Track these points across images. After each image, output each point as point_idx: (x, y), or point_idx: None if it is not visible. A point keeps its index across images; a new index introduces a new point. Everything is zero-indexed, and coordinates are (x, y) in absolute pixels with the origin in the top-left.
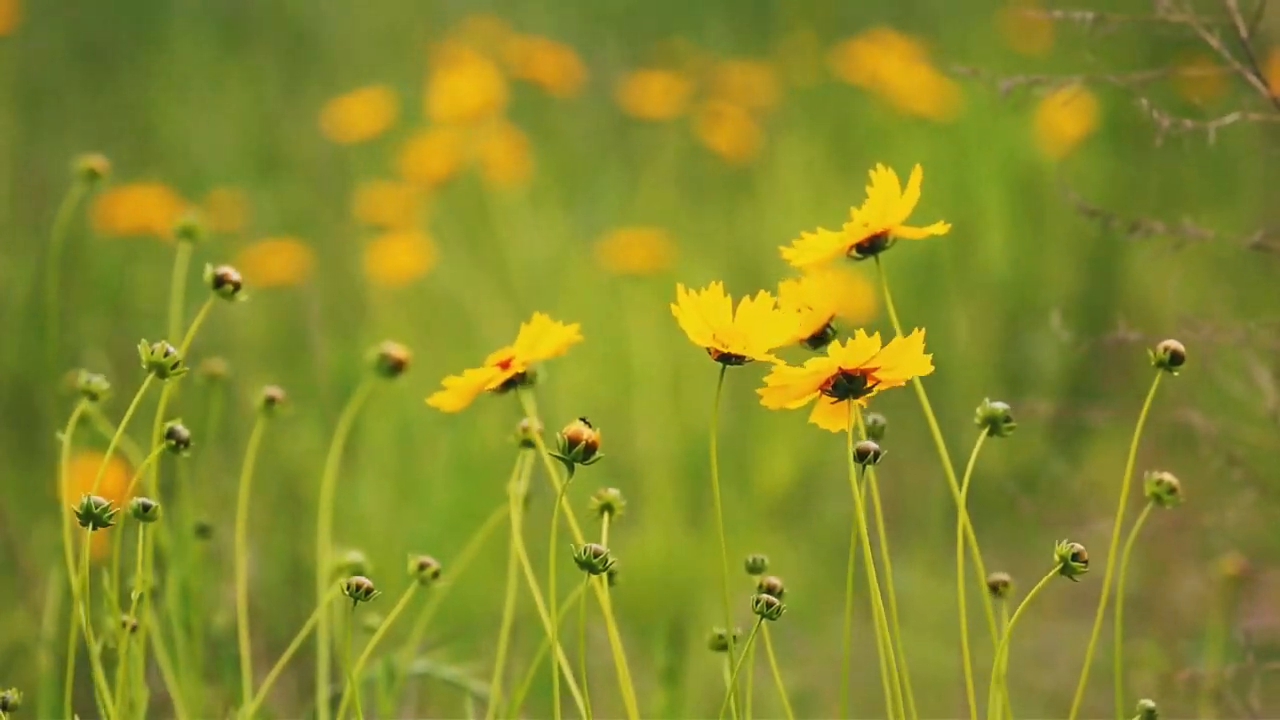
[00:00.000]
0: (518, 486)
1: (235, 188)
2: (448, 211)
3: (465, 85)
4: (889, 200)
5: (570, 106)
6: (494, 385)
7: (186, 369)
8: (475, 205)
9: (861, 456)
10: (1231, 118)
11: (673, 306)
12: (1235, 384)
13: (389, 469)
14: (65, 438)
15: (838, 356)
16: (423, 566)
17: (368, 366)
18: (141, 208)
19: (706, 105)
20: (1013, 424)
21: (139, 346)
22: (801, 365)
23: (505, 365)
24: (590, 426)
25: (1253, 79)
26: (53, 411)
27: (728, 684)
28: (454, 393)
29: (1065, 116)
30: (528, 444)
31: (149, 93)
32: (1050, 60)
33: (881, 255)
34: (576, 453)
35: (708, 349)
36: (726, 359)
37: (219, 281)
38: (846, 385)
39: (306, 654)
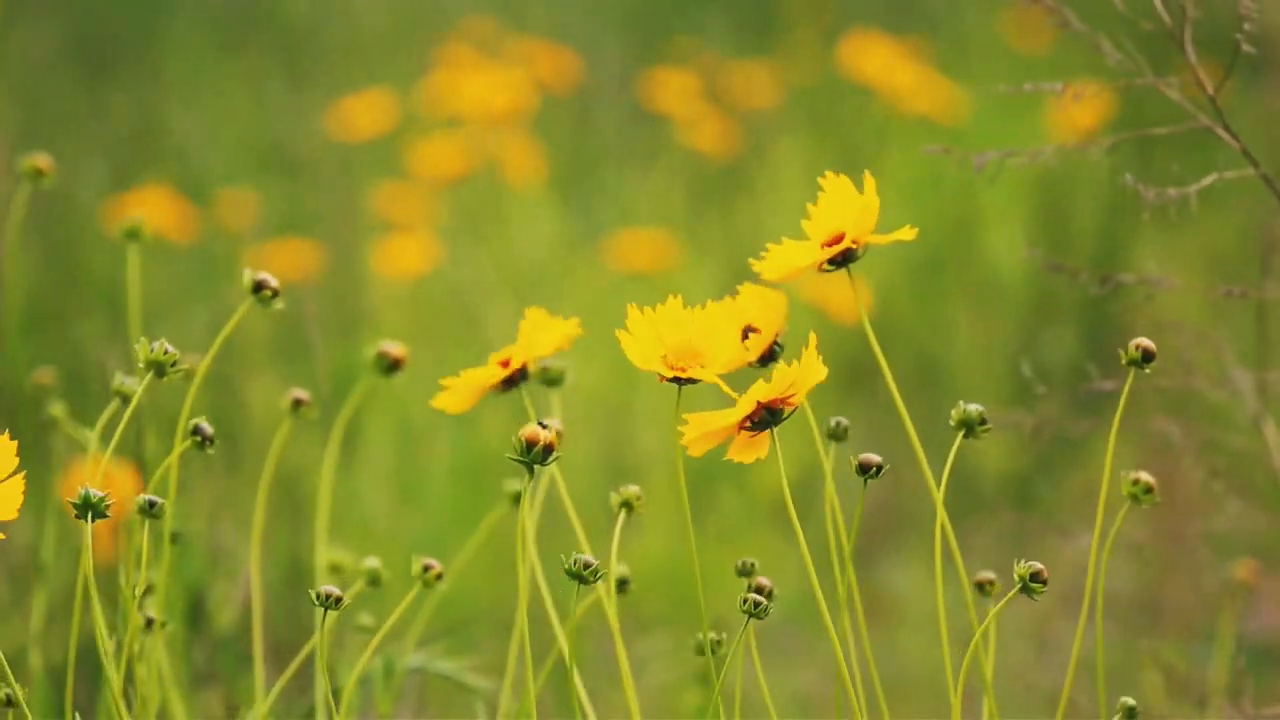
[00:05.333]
0: (524, 490)
1: (237, 187)
2: (451, 211)
3: (491, 86)
4: (847, 208)
5: (571, 106)
6: (495, 383)
7: (184, 369)
8: (478, 204)
9: (865, 470)
10: (1209, 179)
11: (619, 333)
12: (1218, 391)
13: (390, 469)
14: (93, 436)
15: (758, 392)
16: (426, 568)
17: (365, 364)
18: (143, 209)
19: (707, 105)
20: (987, 426)
21: (136, 345)
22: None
23: (505, 364)
24: (546, 428)
25: (1223, 134)
26: (33, 411)
27: (717, 684)
28: (456, 394)
29: (1073, 114)
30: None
31: (151, 93)
32: (1051, 60)
33: (869, 261)
34: (535, 454)
35: (658, 374)
36: (679, 381)
37: (258, 287)
38: (769, 417)
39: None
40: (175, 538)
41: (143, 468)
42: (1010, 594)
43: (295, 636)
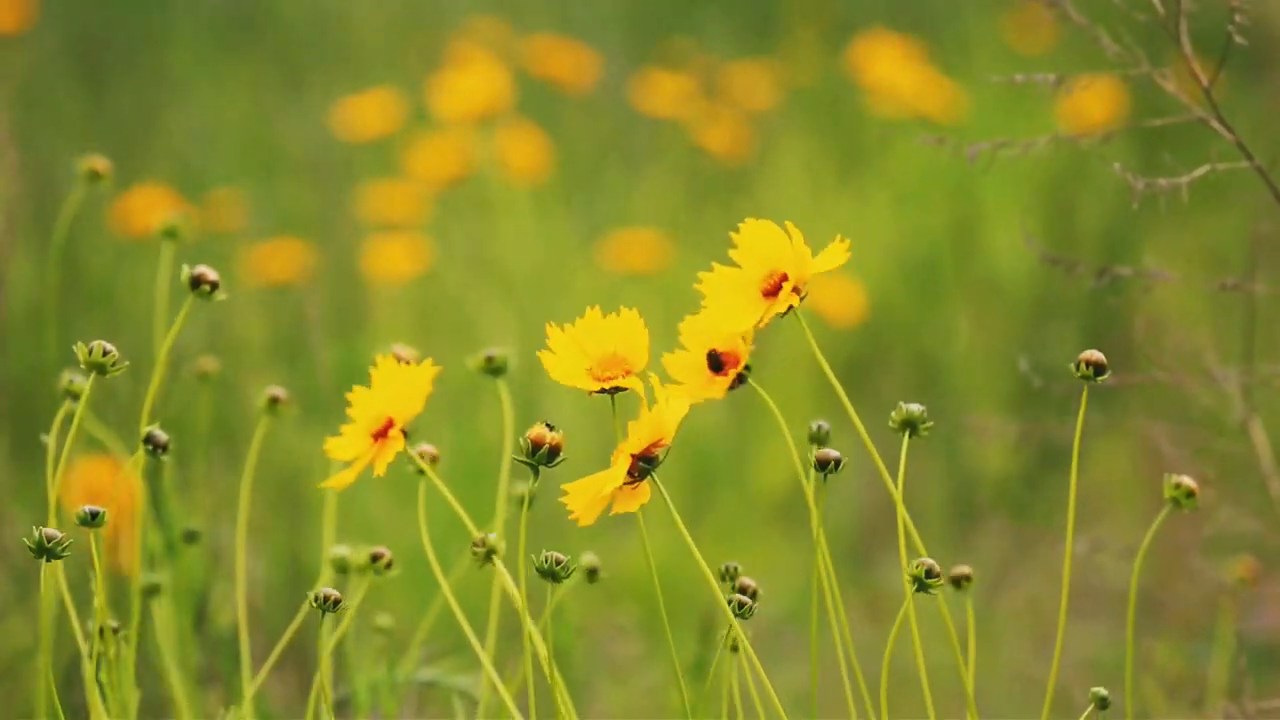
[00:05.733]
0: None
1: (236, 188)
2: (450, 211)
3: (473, 84)
4: (779, 253)
5: (571, 106)
6: (381, 470)
7: (126, 365)
8: (478, 205)
9: (823, 466)
10: (1201, 170)
11: (541, 354)
12: (1206, 393)
13: (389, 468)
14: (50, 440)
15: (630, 448)
16: (375, 558)
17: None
18: (141, 209)
19: (707, 105)
20: (930, 424)
21: (75, 348)
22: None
23: (383, 434)
24: (553, 429)
25: (1217, 126)
26: (49, 411)
27: (720, 683)
28: (345, 474)
29: (1082, 108)
30: (421, 471)
31: (150, 92)
32: (1051, 59)
33: (866, 262)
34: (540, 456)
35: (586, 389)
36: (608, 391)
37: (195, 282)
38: (646, 466)
39: (309, 654)
40: (190, 536)
41: (152, 468)
42: (909, 594)
43: (296, 635)
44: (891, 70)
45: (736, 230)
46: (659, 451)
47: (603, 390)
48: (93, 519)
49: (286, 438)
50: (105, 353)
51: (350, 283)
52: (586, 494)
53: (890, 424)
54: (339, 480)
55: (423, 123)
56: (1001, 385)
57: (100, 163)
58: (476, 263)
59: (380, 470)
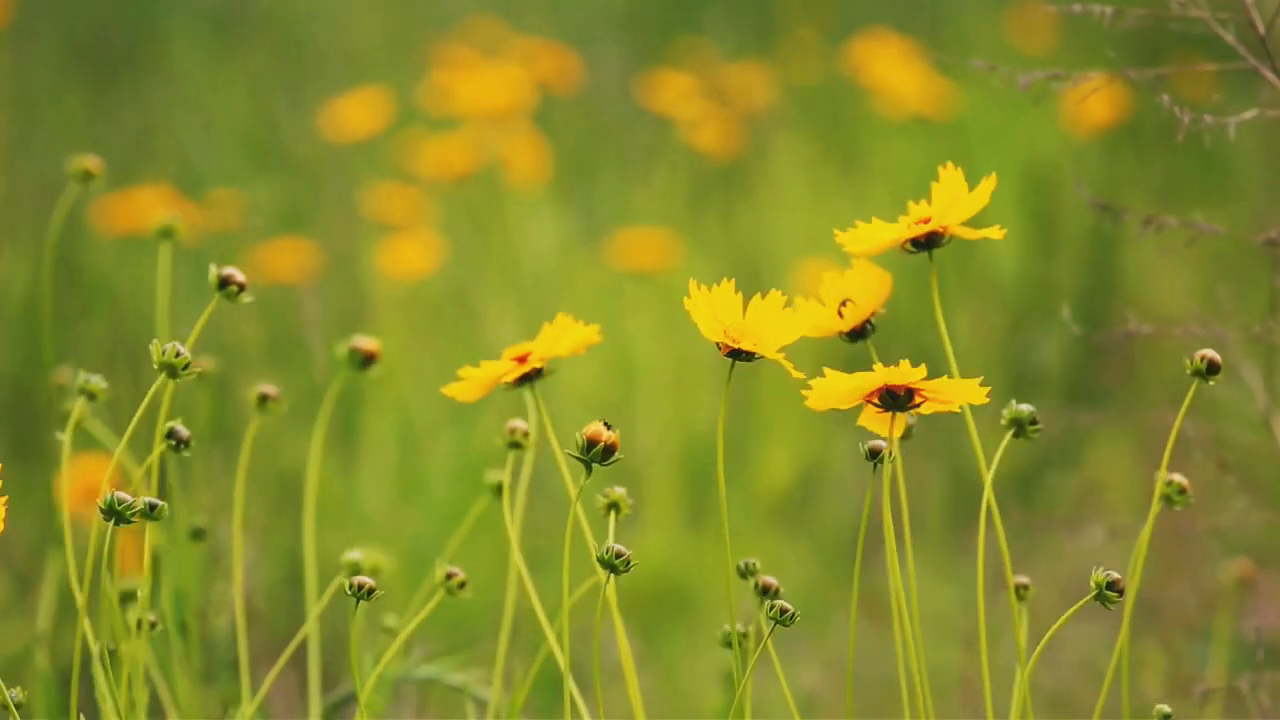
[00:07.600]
0: (510, 485)
1: (234, 187)
2: (451, 210)
3: (492, 84)
4: (955, 199)
5: (572, 107)
6: (510, 379)
7: (198, 371)
8: (479, 204)
9: (874, 455)
10: (1250, 113)
11: (685, 300)
12: (1227, 387)
13: (390, 467)
14: (65, 438)
15: (882, 375)
16: (449, 576)
17: (339, 361)
18: (141, 208)
19: (708, 105)
20: (1038, 426)
21: (150, 347)
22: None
23: (522, 360)
24: (610, 428)
25: (1270, 76)
26: (47, 410)
27: (736, 683)
28: (469, 384)
29: (1089, 105)
30: (515, 445)
31: (150, 92)
32: (1053, 59)
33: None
34: (595, 453)
35: (718, 344)
36: (737, 355)
37: (223, 283)
38: (892, 400)
39: (307, 653)
40: (198, 534)
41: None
42: (1084, 600)
43: (295, 635)
44: (889, 69)
45: (737, 229)
46: (910, 402)
47: (733, 353)
48: (152, 511)
49: (287, 438)
50: (178, 354)
51: (350, 282)
52: (830, 385)
53: (1002, 423)
54: (461, 390)
55: (423, 122)
56: (994, 383)
57: (92, 162)
58: (479, 262)
59: (510, 379)
